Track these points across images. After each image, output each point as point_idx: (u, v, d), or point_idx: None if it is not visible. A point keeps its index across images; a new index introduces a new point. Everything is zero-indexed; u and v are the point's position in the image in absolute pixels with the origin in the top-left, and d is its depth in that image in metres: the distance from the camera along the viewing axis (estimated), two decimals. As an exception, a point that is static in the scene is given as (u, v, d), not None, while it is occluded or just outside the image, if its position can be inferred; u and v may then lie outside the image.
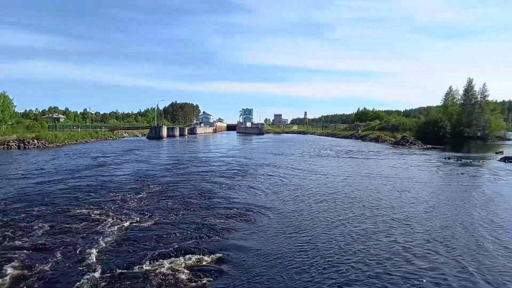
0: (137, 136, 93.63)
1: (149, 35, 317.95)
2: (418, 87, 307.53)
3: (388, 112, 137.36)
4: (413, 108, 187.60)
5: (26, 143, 46.52)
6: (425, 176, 24.47)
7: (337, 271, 8.54)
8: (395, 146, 57.69)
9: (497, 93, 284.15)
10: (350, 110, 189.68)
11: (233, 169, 27.49)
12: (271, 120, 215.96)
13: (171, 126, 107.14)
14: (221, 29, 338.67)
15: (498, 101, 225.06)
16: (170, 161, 33.67)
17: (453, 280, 8.11)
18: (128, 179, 22.12)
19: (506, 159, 33.51)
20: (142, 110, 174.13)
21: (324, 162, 33.56)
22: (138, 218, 12.95)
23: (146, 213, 13.74)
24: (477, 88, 75.45)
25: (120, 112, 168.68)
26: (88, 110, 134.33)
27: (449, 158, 35.97)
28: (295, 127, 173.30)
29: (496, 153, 40.76)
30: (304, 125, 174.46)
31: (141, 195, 17.04)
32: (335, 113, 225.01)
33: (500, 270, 8.70)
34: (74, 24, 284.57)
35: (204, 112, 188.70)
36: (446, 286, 7.82)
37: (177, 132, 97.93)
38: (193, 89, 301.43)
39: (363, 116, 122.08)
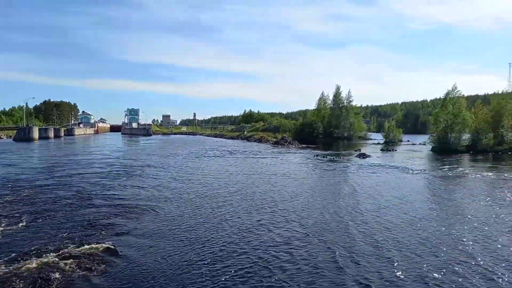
0: (1, 138, 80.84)
1: (16, 20, 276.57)
2: (298, 91, 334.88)
3: (272, 114, 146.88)
4: (294, 111, 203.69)
5: None
6: (296, 171, 27.18)
7: (220, 265, 8.92)
8: (275, 146, 62.02)
9: (365, 98, 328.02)
10: (238, 111, 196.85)
11: (117, 171, 26.40)
12: (160, 121, 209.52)
13: (44, 127, 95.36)
14: (104, 22, 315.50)
15: (363, 105, 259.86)
16: (44, 164, 30.53)
17: (328, 267, 8.89)
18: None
19: (361, 156, 39.35)
20: (7, 109, 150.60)
21: (210, 162, 34.45)
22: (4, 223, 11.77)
23: (15, 216, 12.59)
24: (344, 94, 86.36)
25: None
26: None
27: (317, 156, 40.56)
28: (184, 128, 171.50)
29: (355, 150, 47.35)
30: (193, 126, 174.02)
31: (8, 199, 15.38)
32: (224, 115, 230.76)
33: (366, 254, 9.92)
34: None
35: (83, 111, 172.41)
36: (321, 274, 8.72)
37: (51, 134, 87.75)
38: (71, 85, 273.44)
39: (249, 118, 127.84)
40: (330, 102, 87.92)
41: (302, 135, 76.35)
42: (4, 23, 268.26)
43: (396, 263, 8.94)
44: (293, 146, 60.28)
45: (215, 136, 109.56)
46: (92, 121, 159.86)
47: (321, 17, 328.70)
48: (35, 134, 77.32)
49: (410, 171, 27.49)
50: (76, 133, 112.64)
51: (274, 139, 73.59)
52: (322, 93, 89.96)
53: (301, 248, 10.07)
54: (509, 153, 43.35)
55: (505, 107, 46.56)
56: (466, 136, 47.79)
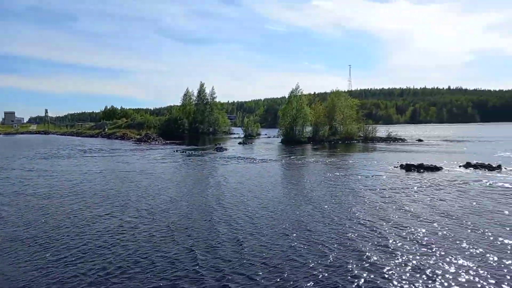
0: None
1: None
2: (167, 87, 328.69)
3: (138, 111, 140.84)
4: (163, 107, 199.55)
5: None
6: (154, 167, 27.38)
7: (76, 267, 8.87)
8: (138, 143, 60.33)
9: (232, 95, 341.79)
10: (100, 108, 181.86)
11: None
12: (1, 119, 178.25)
13: None
14: None
15: (230, 101, 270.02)
16: None
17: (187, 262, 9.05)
18: None
19: (218, 149, 41.98)
20: None
21: (62, 162, 31.77)
22: None
23: None
24: (208, 90, 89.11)
25: None
26: None
27: (177, 151, 41.43)
28: (33, 127, 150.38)
29: (215, 145, 49.84)
30: (45, 124, 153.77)
31: None
32: (84, 111, 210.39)
33: (223, 242, 10.68)
34: None
35: None
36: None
37: None
38: None
39: (111, 114, 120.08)
40: (195, 98, 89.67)
41: (168, 131, 76.24)
42: None
43: (249, 248, 9.69)
44: (157, 143, 59.70)
45: (72, 134, 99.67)
46: None
47: (187, 13, 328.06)
48: None
49: (259, 161, 30.79)
50: None
51: (138, 136, 71.30)
52: (187, 90, 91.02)
53: (162, 244, 10.21)
54: (340, 142, 52.11)
55: (337, 103, 55.59)
56: (308, 129, 55.29)
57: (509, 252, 8.98)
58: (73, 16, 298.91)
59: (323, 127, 55.09)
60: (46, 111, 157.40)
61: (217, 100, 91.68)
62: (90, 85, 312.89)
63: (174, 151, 41.56)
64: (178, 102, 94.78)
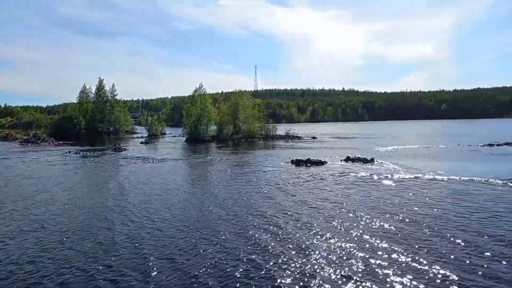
0: None
1: None
2: (62, 82, 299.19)
3: (26, 108, 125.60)
4: (59, 104, 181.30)
5: None
6: (38, 171, 25.04)
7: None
8: (24, 144, 54.08)
9: (137, 92, 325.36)
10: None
11: None
12: None
13: None
14: None
15: (134, 99, 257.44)
16: None
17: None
18: None
19: (116, 149, 40.04)
20: None
21: None
22: None
23: None
24: (108, 87, 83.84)
25: None
26: None
27: (69, 152, 38.34)
28: None
29: (114, 145, 47.35)
30: None
31: None
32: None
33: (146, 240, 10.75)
34: None
35: None
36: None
37: None
38: None
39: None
40: (93, 95, 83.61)
41: (61, 131, 69.84)
42: None
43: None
44: (47, 144, 54.29)
45: None
46: None
47: (86, 3, 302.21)
48: None
49: (159, 160, 30.34)
50: None
51: (25, 137, 63.71)
52: (84, 86, 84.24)
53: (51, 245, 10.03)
54: (243, 140, 53.99)
55: (240, 103, 57.40)
56: (213, 128, 56.09)
57: (366, 225, 10.75)
58: None
59: (227, 126, 56.36)
60: None
61: (118, 97, 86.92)
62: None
63: (66, 152, 38.41)
64: (74, 99, 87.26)
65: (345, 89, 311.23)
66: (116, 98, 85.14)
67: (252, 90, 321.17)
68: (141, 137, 70.42)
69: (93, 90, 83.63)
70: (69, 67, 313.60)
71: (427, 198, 14.58)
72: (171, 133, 79.52)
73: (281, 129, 63.33)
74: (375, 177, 20.00)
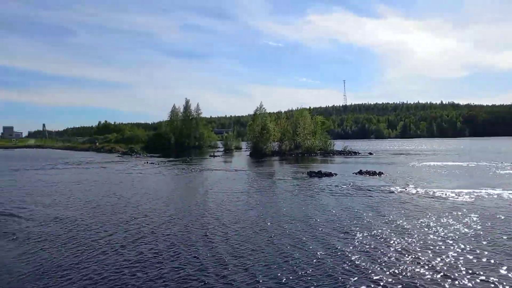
0: None
1: None
2: (162, 101, 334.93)
3: (132, 125, 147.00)
4: (156, 122, 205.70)
5: None
6: (118, 179, 32.85)
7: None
8: (122, 156, 65.85)
9: (229, 109, 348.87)
10: (96, 121, 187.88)
11: None
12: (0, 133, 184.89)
13: None
14: None
15: (227, 116, 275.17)
16: None
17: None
18: None
19: (184, 161, 47.31)
20: None
21: (27, 174, 37.18)
22: None
23: None
24: (193, 106, 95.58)
25: None
26: None
27: (147, 162, 46.84)
28: (31, 141, 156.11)
29: (188, 158, 55.15)
30: (43, 139, 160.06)
31: None
32: (82, 125, 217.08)
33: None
34: None
35: None
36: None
37: None
38: None
39: (105, 129, 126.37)
40: (181, 114, 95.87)
41: (154, 145, 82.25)
42: None
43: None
44: (139, 156, 64.99)
45: (66, 148, 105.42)
46: None
47: (182, 28, 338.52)
48: None
49: (222, 170, 36.18)
50: None
51: (124, 150, 76.79)
52: (174, 106, 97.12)
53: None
54: (300, 155, 57.61)
55: (300, 120, 61.28)
56: (273, 143, 60.99)
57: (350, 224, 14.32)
58: (71, 30, 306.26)
59: (287, 142, 60.72)
60: (44, 126, 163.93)
61: (213, 115, 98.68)
62: (90, 99, 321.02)
63: (144, 163, 46.79)
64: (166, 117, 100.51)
65: (443, 102, 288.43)
66: (200, 115, 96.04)
67: (341, 105, 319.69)
68: (218, 151, 78.56)
69: (182, 109, 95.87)
70: (167, 87, 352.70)
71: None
72: (246, 148, 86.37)
73: (355, 145, 65.56)
74: (370, 185, 22.43)
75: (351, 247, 10.88)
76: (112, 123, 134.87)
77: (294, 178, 28.71)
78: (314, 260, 9.92)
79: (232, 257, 10.35)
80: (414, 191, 20.86)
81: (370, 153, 60.85)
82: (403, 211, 15.68)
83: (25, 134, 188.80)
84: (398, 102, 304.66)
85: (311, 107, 77.84)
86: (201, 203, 19.06)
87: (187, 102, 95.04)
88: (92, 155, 69.85)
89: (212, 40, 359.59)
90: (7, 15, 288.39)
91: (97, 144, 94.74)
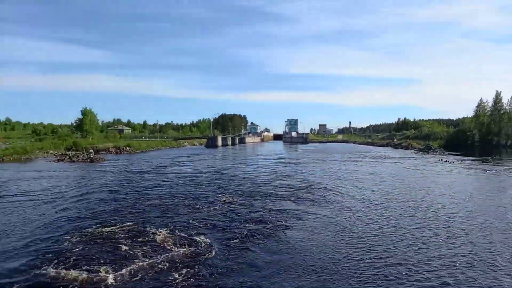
0: (195, 145, 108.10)
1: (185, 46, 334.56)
2: (466, 95, 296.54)
3: (432, 121, 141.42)
4: (460, 117, 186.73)
5: (121, 149, 62.61)
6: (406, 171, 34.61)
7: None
8: (417, 152, 65.99)
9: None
10: (395, 118, 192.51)
11: (294, 163, 39.84)
12: (316, 130, 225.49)
13: (223, 136, 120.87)
14: (255, 39, 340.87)
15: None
16: (233, 162, 46.90)
17: None
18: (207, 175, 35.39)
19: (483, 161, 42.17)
20: (195, 121, 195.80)
21: (346, 164, 44.47)
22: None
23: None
24: (505, 100, 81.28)
25: (175, 123, 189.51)
26: (147, 122, 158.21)
27: (444, 160, 44.92)
28: (340, 137, 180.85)
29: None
30: (348, 134, 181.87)
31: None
32: (383, 122, 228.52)
33: None
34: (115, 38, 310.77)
35: (252, 123, 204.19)
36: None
37: (229, 142, 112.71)
38: (237, 99, 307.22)
39: (403, 125, 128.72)
40: (488, 109, 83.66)
41: (454, 143, 76.37)
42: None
43: None
44: (435, 153, 62.80)
45: (366, 143, 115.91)
46: (258, 131, 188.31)
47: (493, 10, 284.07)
48: (219, 142, 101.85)
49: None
50: (247, 141, 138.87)
51: (420, 146, 76.12)
52: (480, 100, 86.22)
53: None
54: None
55: None
56: None
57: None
58: (372, 33, 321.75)
59: None
60: (350, 123, 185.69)
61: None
62: (387, 97, 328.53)
63: (440, 160, 45.02)
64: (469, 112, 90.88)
65: None
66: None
67: None
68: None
69: (490, 104, 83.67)
70: (476, 80, 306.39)
71: None
72: None
73: None
74: None
75: None
76: (411, 119, 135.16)
77: None
78: None
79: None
80: None
81: None
82: None
83: (335, 130, 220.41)
84: None
85: None
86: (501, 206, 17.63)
87: (497, 95, 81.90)
88: (388, 151, 73.83)
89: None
90: (326, 29, 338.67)
91: (395, 140, 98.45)
